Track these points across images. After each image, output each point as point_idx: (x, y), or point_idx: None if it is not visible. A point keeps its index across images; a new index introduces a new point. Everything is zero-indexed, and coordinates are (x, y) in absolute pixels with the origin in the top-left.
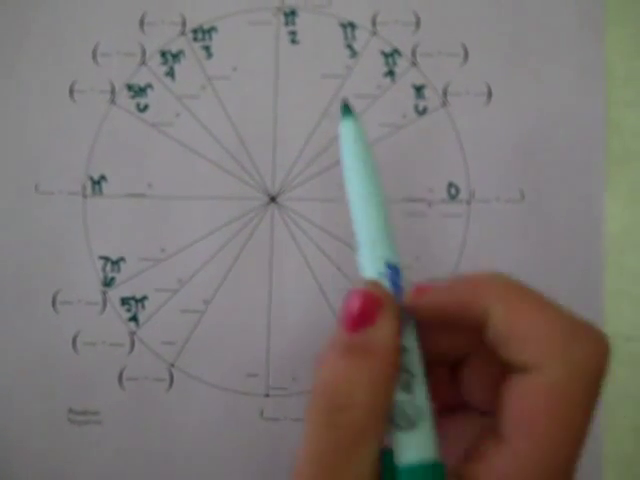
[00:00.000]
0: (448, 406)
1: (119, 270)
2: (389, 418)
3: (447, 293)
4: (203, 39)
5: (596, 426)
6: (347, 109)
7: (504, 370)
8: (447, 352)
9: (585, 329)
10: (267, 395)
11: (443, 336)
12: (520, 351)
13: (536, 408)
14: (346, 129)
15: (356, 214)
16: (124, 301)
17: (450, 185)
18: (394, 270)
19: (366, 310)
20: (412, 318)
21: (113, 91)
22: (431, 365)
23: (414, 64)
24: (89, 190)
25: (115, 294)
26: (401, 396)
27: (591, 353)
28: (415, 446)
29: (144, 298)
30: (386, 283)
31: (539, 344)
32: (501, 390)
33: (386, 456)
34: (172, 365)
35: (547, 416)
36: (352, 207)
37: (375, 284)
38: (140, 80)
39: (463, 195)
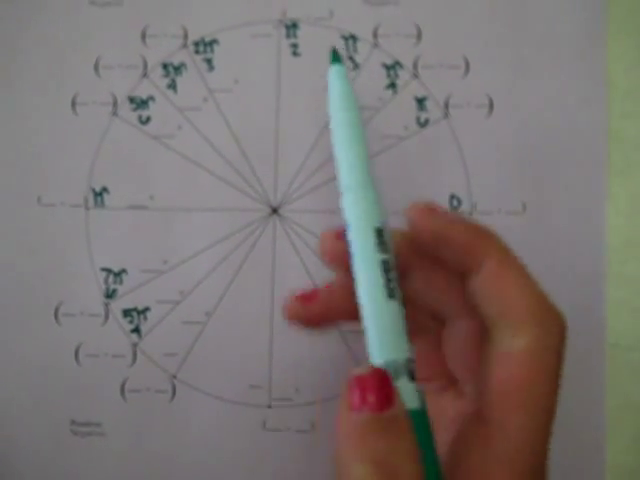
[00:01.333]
0: (437, 384)
1: (121, 282)
2: None
3: (453, 223)
4: (205, 51)
5: (598, 436)
6: (336, 56)
7: (482, 332)
8: (431, 306)
9: (554, 306)
10: (269, 406)
11: (427, 287)
12: (501, 311)
13: (519, 379)
14: (334, 72)
15: (341, 157)
16: (126, 313)
17: (452, 197)
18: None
19: (387, 393)
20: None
21: (115, 103)
22: (417, 333)
23: (415, 76)
24: (91, 202)
25: (117, 306)
26: None
27: (559, 327)
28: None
29: (146, 310)
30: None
31: (520, 309)
32: (481, 360)
33: None
34: (174, 377)
35: (530, 387)
36: (337, 150)
37: (379, 368)
38: (142, 92)
39: (465, 207)
